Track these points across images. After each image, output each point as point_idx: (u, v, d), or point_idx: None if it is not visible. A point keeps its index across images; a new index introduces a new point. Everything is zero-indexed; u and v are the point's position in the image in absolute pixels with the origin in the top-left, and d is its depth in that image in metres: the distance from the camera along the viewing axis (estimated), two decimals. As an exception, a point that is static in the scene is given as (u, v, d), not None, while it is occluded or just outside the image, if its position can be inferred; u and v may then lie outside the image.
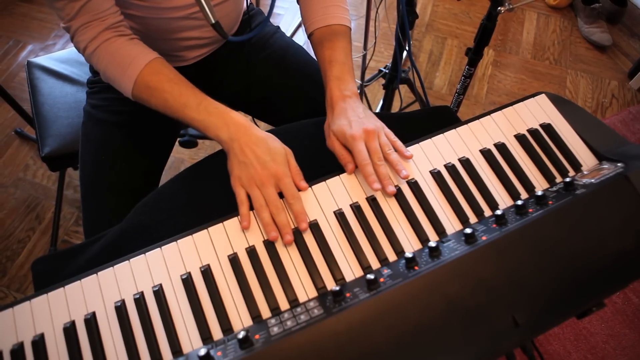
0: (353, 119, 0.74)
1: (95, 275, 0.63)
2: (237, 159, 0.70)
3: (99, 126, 0.98)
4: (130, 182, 0.94)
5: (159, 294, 0.61)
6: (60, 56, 1.41)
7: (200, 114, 0.73)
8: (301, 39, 2.19)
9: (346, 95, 0.78)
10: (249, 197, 0.69)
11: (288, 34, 2.10)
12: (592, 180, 0.67)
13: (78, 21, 0.76)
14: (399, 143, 0.73)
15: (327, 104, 0.80)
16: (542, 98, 0.79)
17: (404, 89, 1.93)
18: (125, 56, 0.77)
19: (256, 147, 0.70)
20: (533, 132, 0.76)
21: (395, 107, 1.85)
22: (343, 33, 0.86)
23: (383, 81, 1.66)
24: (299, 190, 0.69)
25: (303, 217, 0.66)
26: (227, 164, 0.72)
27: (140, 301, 0.61)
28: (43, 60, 1.39)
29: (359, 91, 1.80)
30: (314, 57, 1.12)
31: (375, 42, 1.84)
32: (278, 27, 1.16)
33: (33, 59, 1.39)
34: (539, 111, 0.78)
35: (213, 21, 0.71)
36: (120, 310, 0.60)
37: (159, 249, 0.65)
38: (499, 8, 0.98)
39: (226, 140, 0.72)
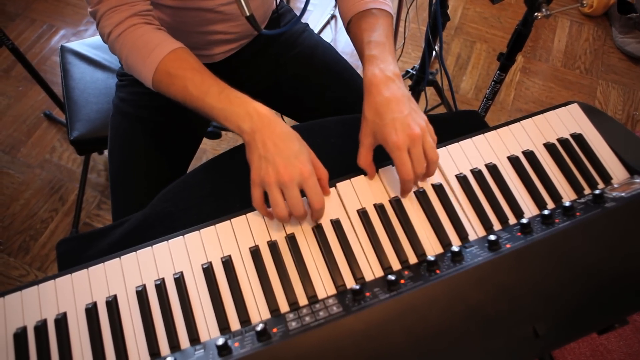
0: (397, 117, 0.66)
1: (118, 259, 0.64)
2: (257, 153, 0.64)
3: (127, 120, 0.99)
4: (157, 176, 0.96)
5: (180, 281, 0.62)
6: (93, 42, 1.43)
7: (222, 102, 0.68)
8: (328, 36, 2.19)
9: (388, 76, 0.69)
10: (266, 196, 0.64)
11: (316, 30, 2.10)
12: (623, 194, 0.66)
13: (105, 5, 0.74)
14: (436, 151, 0.68)
15: (365, 86, 0.71)
16: (574, 107, 0.78)
17: (429, 91, 1.91)
18: (150, 42, 0.74)
19: (280, 142, 0.64)
20: (563, 141, 0.74)
21: (420, 109, 1.83)
22: (384, 17, 0.81)
23: (410, 82, 1.65)
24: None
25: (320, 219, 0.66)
26: (247, 157, 0.67)
27: (161, 287, 0.62)
28: (76, 45, 1.41)
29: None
30: (342, 55, 1.12)
31: (404, 43, 1.83)
32: (307, 25, 1.16)
33: (66, 44, 1.41)
34: (570, 121, 0.77)
35: (247, 14, 0.71)
36: (141, 295, 0.61)
37: (181, 237, 0.65)
38: (536, 14, 0.97)
39: (247, 132, 0.66)
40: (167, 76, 0.73)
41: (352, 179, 0.70)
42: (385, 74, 0.70)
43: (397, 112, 0.66)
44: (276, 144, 0.64)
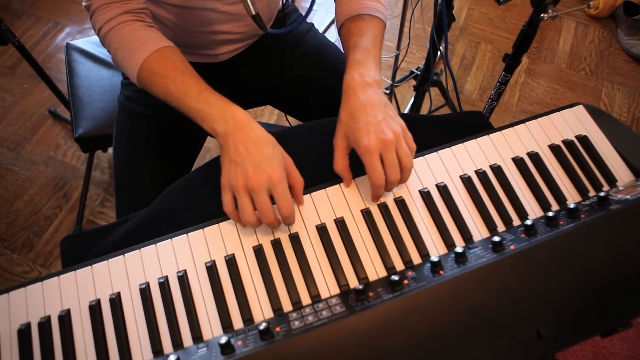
0: (371, 120, 0.65)
1: (122, 256, 0.64)
2: (228, 157, 0.64)
3: (132, 118, 0.99)
4: (161, 174, 0.96)
5: (183, 279, 0.62)
6: (98, 40, 1.43)
7: (200, 103, 0.68)
8: (333, 36, 2.19)
9: (366, 82, 0.69)
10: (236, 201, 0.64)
11: (321, 30, 2.10)
12: (628, 197, 0.65)
13: (99, 0, 0.75)
14: (410, 158, 0.66)
15: (343, 90, 0.71)
16: (580, 109, 0.78)
17: (433, 91, 1.91)
18: (138, 39, 0.74)
19: (252, 146, 0.63)
20: (568, 143, 0.74)
21: (424, 110, 1.83)
22: (375, 23, 0.80)
23: (414, 82, 1.65)
24: (296, 204, 0.67)
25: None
26: (220, 160, 0.67)
27: (164, 285, 0.62)
28: (81, 43, 1.42)
29: (387, 91, 1.79)
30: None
31: (409, 43, 1.83)
32: (312, 25, 1.16)
33: (72, 42, 1.42)
34: (575, 122, 0.77)
35: (253, 12, 0.71)
36: (145, 292, 0.61)
37: (185, 235, 0.65)
38: (542, 15, 0.96)
39: (221, 134, 0.66)
40: (150, 74, 0.73)
41: (355, 179, 0.70)
42: (364, 79, 0.69)
43: (371, 116, 0.66)
44: (248, 148, 0.63)
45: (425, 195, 0.68)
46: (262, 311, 0.61)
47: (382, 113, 0.67)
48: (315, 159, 0.77)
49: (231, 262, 0.63)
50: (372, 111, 0.66)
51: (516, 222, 0.67)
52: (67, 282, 0.62)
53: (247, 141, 0.64)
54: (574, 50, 2.17)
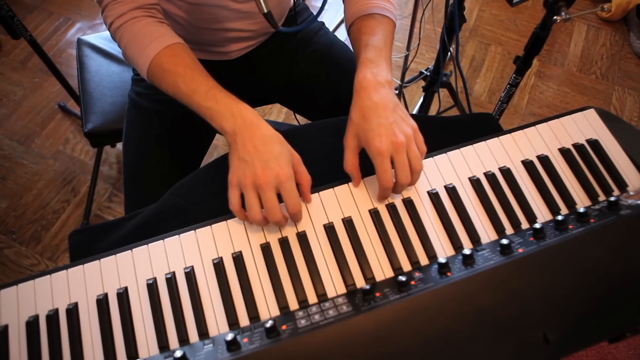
0: (382, 122, 0.65)
1: (130, 251, 0.64)
2: (237, 155, 0.65)
3: (143, 114, 1.00)
4: (170, 170, 0.96)
5: (190, 275, 0.62)
6: (109, 35, 1.44)
7: (208, 101, 0.69)
8: (343, 34, 2.18)
9: (379, 81, 0.69)
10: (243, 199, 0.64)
11: (330, 28, 2.10)
12: (638, 202, 0.65)
13: None
14: (420, 161, 0.66)
15: (355, 89, 0.70)
16: (591, 113, 0.77)
17: (442, 92, 1.90)
18: (148, 35, 0.75)
19: (260, 144, 0.64)
20: (579, 147, 0.73)
21: (433, 111, 1.82)
22: (385, 23, 0.80)
23: (423, 83, 1.64)
24: (303, 202, 0.67)
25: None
26: (228, 158, 0.68)
27: (171, 281, 0.62)
28: (92, 38, 1.43)
29: (397, 92, 1.79)
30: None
31: (419, 44, 1.82)
32: (323, 23, 1.16)
33: (83, 37, 1.43)
34: (586, 126, 0.76)
35: (265, 10, 0.71)
36: (152, 288, 0.62)
37: (193, 231, 0.66)
38: (555, 17, 0.96)
39: (229, 132, 0.66)
40: (160, 71, 0.74)
41: (364, 178, 0.70)
42: (377, 79, 0.69)
43: (383, 117, 0.65)
44: (256, 146, 0.64)
45: (434, 197, 0.68)
46: (268, 309, 0.61)
47: (394, 114, 0.67)
48: (324, 158, 0.77)
49: (238, 259, 0.63)
50: (384, 112, 0.66)
51: (525, 225, 0.67)
52: (75, 276, 0.63)
53: (255, 139, 0.64)
54: (585, 53, 2.15)
